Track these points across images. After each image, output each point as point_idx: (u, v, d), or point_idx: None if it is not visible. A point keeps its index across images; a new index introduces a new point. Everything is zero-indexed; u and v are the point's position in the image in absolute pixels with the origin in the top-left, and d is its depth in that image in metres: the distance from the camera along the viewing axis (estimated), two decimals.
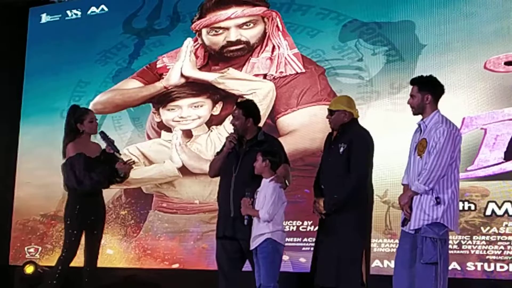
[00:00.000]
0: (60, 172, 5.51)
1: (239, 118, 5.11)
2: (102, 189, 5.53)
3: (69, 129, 5.51)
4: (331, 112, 5.01)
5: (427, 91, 4.57)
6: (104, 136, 5.49)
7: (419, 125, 4.60)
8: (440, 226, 4.38)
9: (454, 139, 4.43)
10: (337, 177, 4.82)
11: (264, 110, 7.01)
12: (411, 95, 4.62)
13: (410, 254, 4.49)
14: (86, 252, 5.42)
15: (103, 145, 5.54)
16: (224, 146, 5.16)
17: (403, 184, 4.69)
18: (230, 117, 5.34)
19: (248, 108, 5.18)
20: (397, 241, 5.43)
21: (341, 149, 4.85)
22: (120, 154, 5.54)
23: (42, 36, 8.63)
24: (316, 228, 5.16)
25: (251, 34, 7.43)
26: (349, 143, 4.84)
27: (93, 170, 5.35)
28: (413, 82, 4.66)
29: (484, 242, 6.00)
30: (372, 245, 6.19)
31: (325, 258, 4.81)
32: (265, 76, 7.25)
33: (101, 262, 7.22)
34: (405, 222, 4.53)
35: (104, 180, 5.41)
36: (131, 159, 5.75)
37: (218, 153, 5.28)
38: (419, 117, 4.63)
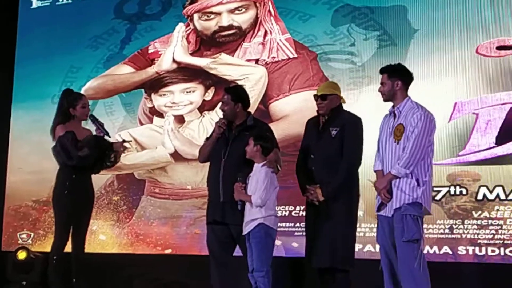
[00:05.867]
0: (52, 157, 5.50)
1: (228, 103, 5.12)
2: (92, 174, 5.52)
3: (61, 112, 5.49)
4: (323, 97, 5.03)
5: (397, 77, 4.69)
6: (94, 119, 5.48)
7: (393, 111, 4.69)
8: (419, 205, 4.49)
9: (430, 123, 4.55)
10: (330, 160, 4.90)
11: (256, 96, 7.01)
12: (382, 83, 4.75)
13: (390, 237, 4.56)
14: (74, 238, 5.40)
15: (93, 129, 5.53)
16: (213, 131, 5.17)
17: (376, 171, 4.75)
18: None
19: (236, 93, 5.18)
20: None
21: (333, 133, 4.93)
22: (110, 137, 5.53)
23: (33, 22, 8.58)
24: None
25: (243, 19, 7.41)
26: (342, 127, 4.94)
27: (78, 147, 5.30)
28: (383, 70, 4.78)
29: (475, 227, 6.02)
30: (364, 229, 6.25)
31: (321, 241, 4.88)
32: (257, 61, 7.23)
33: (94, 248, 7.28)
34: (381, 207, 4.62)
35: (91, 153, 5.30)
36: (125, 141, 5.73)
37: (207, 138, 5.28)
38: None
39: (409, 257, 4.40)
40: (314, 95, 5.13)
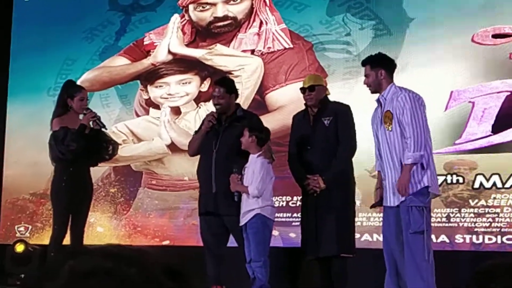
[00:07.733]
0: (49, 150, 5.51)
1: (224, 96, 5.11)
2: (90, 167, 5.53)
3: (59, 103, 5.50)
4: (312, 88, 5.06)
5: (380, 66, 4.65)
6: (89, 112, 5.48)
7: (379, 100, 4.65)
8: (425, 194, 4.45)
9: (417, 101, 4.51)
10: (328, 149, 4.98)
11: (252, 86, 7.00)
12: (365, 75, 4.71)
13: (395, 227, 4.53)
14: (72, 230, 5.41)
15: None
16: (201, 124, 5.17)
17: (378, 171, 4.75)
18: None
19: (230, 85, 5.20)
20: None
21: (326, 122, 5.01)
22: (106, 129, 5.54)
23: (28, 14, 8.54)
24: None
25: (238, 10, 7.38)
26: (334, 116, 5.02)
27: (68, 140, 5.29)
28: (364, 62, 4.75)
29: (472, 215, 6.03)
30: (361, 219, 6.26)
31: (326, 229, 4.93)
32: (252, 52, 7.21)
33: (91, 240, 7.27)
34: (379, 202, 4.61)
35: (77, 146, 5.26)
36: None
37: (196, 132, 5.28)
38: None
39: (416, 248, 4.39)
40: (301, 88, 5.16)
